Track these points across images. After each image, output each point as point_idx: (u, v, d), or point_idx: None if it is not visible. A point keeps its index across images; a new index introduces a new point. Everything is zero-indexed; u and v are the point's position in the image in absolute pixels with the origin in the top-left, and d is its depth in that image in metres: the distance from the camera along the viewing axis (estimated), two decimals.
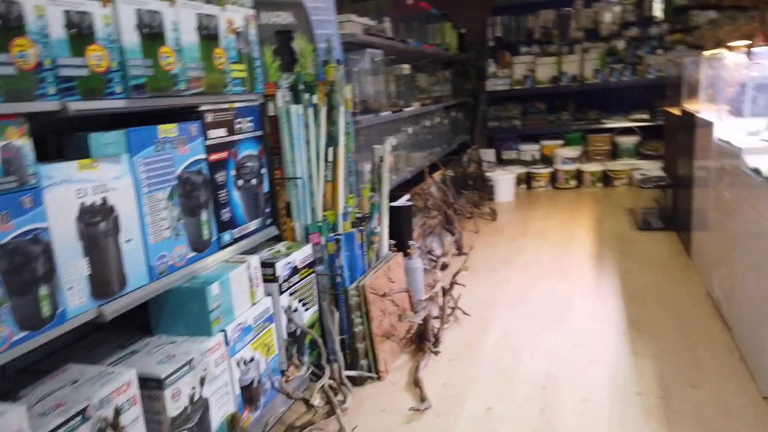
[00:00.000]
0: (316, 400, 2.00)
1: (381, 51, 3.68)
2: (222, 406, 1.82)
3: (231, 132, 2.06)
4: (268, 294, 2.14)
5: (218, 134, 1.99)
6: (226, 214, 2.02)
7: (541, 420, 2.10)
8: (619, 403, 2.15)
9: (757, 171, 2.17)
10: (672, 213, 4.42)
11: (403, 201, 3.40)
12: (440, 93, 5.54)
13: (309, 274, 2.36)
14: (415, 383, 2.37)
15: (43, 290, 1.33)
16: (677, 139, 4.20)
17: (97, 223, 1.47)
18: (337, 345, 2.32)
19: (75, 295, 1.42)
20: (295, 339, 2.26)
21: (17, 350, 1.27)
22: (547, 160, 6.55)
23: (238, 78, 2.08)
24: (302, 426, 1.93)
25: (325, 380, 2.14)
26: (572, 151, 6.32)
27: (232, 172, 2.07)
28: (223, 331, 1.84)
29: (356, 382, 2.39)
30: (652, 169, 5.50)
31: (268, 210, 2.29)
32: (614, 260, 3.77)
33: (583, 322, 2.88)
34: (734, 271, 2.54)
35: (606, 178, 6.22)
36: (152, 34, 1.66)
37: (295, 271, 2.25)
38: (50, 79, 1.36)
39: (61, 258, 1.38)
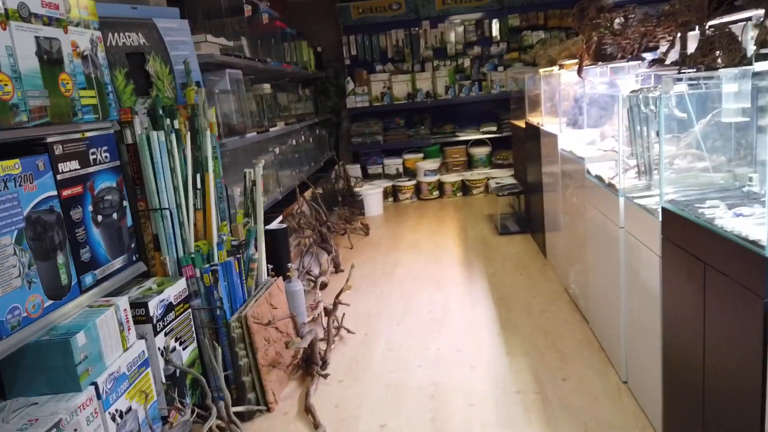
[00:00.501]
0: None
1: (240, 71, 3.59)
2: None
3: (85, 164, 1.87)
4: (142, 336, 1.97)
5: (70, 167, 1.80)
6: (85, 254, 1.83)
7: (433, 429, 2.15)
8: (503, 403, 2.28)
9: (599, 178, 2.43)
10: (526, 216, 4.81)
11: (276, 224, 3.33)
12: (303, 111, 5.54)
13: (185, 310, 2.21)
14: (307, 410, 2.31)
15: None
16: (525, 149, 4.59)
17: None
18: (221, 381, 2.19)
19: None
20: (174, 381, 2.10)
21: None
22: (410, 172, 6.81)
23: (88, 105, 1.90)
24: None
25: (212, 421, 2.02)
26: (432, 164, 6.63)
27: (90, 208, 1.88)
28: (93, 383, 1.66)
29: (245, 417, 2.28)
30: (504, 177, 5.95)
31: (133, 245, 2.11)
32: (481, 265, 4.01)
33: (460, 328, 3.01)
34: (586, 268, 2.82)
35: (465, 188, 6.60)
36: None
37: (170, 308, 2.10)
38: None
39: None
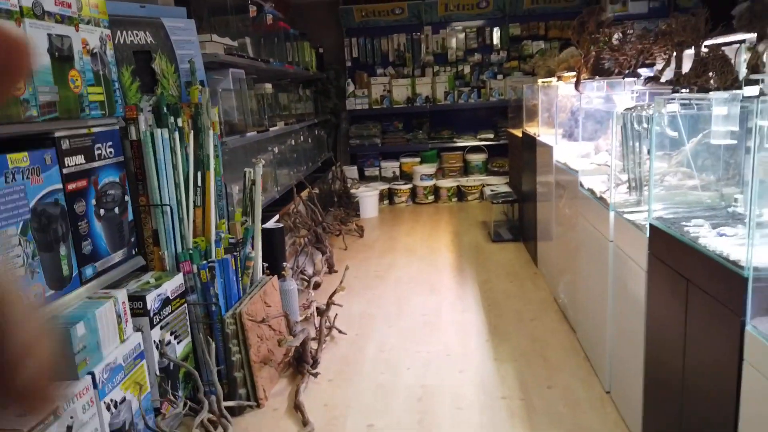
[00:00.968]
0: None
1: (243, 71, 3.63)
2: None
3: (90, 159, 1.92)
4: (138, 329, 2.01)
5: (76, 162, 1.84)
6: (87, 247, 1.87)
7: (420, 431, 2.20)
8: (488, 408, 2.33)
9: (591, 191, 2.49)
10: (519, 225, 4.87)
11: (272, 223, 3.37)
12: (303, 111, 5.58)
13: (181, 305, 2.25)
14: (296, 408, 2.36)
15: None
16: (521, 158, 4.65)
17: None
18: (214, 376, 2.24)
19: None
20: (168, 374, 2.14)
21: None
22: (406, 176, 6.86)
23: (95, 101, 1.95)
24: None
25: (204, 414, 2.06)
26: (429, 168, 6.69)
27: (93, 202, 1.92)
28: (90, 373, 1.70)
29: (235, 412, 2.32)
30: (499, 184, 6.01)
31: (133, 239, 2.15)
32: (473, 271, 4.06)
33: (451, 332, 3.06)
34: (575, 278, 2.88)
35: (460, 193, 6.66)
36: None
37: (166, 302, 2.14)
38: None
39: None
